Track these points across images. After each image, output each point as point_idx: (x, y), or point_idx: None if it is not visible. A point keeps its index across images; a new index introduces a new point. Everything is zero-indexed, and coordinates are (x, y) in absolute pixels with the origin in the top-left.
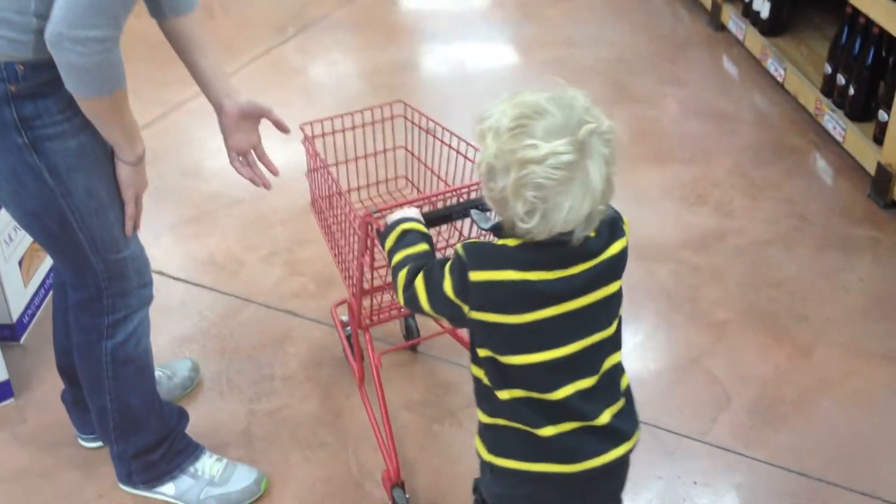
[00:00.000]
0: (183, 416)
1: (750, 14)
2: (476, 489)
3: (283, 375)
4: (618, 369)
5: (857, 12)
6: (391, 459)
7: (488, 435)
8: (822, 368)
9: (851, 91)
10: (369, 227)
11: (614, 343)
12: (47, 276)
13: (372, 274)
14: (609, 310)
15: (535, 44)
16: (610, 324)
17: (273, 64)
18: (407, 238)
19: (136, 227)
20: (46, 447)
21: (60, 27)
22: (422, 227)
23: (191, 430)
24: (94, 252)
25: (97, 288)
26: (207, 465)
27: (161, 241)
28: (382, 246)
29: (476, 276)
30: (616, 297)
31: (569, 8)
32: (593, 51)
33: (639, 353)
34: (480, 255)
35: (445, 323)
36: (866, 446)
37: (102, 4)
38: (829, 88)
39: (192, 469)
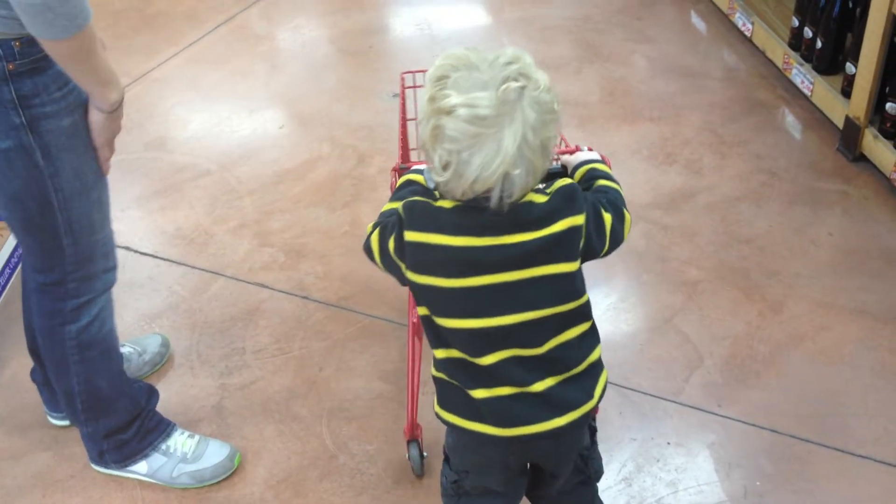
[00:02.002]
0: (153, 394)
1: None
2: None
3: (255, 349)
4: (578, 342)
5: None
6: (408, 415)
7: (437, 388)
8: (793, 324)
9: (819, 44)
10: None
11: (571, 319)
12: (12, 255)
13: None
14: (557, 289)
15: (504, 3)
16: (561, 303)
17: (237, 31)
18: (405, 189)
19: (105, 171)
20: (16, 429)
21: None
22: (422, 179)
23: (162, 406)
24: (67, 234)
25: (62, 272)
26: (179, 441)
27: (127, 215)
28: None
29: (409, 235)
30: (568, 278)
31: None
32: (561, 10)
33: (611, 315)
34: (416, 215)
35: None
36: (837, 402)
37: None
38: (796, 42)
39: (164, 447)
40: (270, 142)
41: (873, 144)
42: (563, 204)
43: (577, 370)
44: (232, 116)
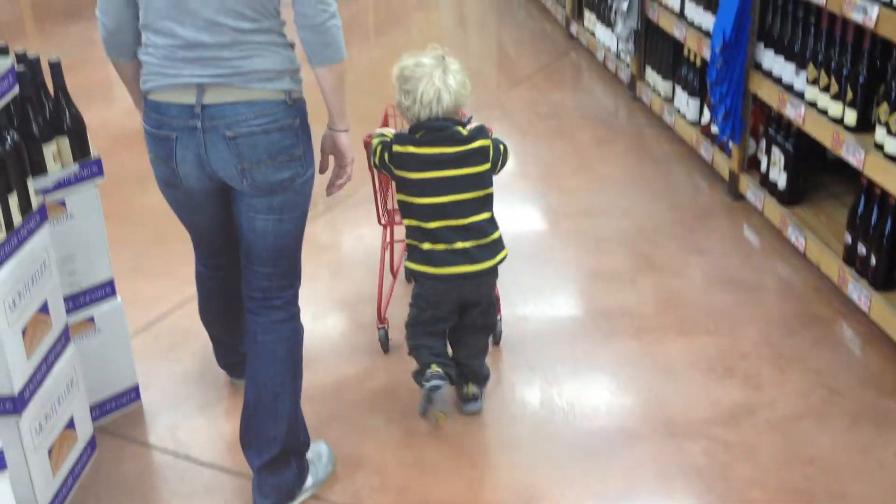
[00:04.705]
0: None
1: (767, 184)
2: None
3: None
4: (486, 223)
5: (872, 183)
6: (378, 309)
7: (407, 250)
8: None
9: (873, 261)
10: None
11: (482, 204)
12: (52, 349)
13: (380, 181)
14: (476, 182)
15: (559, 214)
16: (476, 190)
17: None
18: (383, 137)
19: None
20: None
21: (319, 9)
22: (390, 136)
23: None
24: (300, 249)
25: (296, 278)
26: None
27: (191, 424)
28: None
29: (395, 147)
30: (484, 175)
31: (590, 178)
32: (615, 220)
33: None
34: (399, 137)
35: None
36: None
37: None
38: (850, 257)
39: None
40: (331, 349)
41: None
42: (477, 133)
43: (486, 241)
44: (315, 324)
